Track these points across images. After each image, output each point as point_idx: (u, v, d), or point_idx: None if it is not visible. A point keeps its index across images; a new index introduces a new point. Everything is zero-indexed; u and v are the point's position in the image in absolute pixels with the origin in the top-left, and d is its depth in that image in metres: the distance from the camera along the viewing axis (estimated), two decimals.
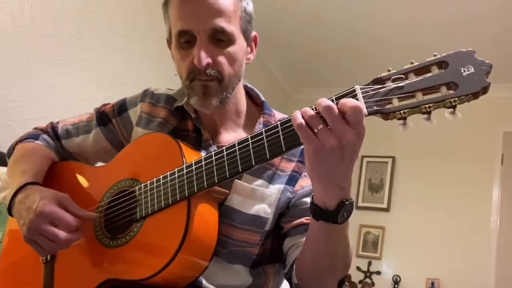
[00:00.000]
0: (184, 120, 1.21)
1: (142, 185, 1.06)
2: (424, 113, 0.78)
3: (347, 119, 0.79)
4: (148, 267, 0.96)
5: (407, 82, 0.79)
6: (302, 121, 0.81)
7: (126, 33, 3.03)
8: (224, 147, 0.98)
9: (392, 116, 0.80)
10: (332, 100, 0.83)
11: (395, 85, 0.80)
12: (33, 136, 1.31)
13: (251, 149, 0.93)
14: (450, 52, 0.78)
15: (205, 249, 0.99)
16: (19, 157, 1.24)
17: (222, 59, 1.08)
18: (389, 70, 0.82)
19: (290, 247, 1.11)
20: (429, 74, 0.78)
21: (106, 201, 1.12)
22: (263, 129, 0.92)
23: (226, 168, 0.95)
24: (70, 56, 2.65)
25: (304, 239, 1.05)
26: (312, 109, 0.83)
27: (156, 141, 1.12)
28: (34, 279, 1.13)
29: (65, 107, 2.59)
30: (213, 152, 0.99)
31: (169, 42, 1.18)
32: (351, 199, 0.88)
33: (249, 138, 0.94)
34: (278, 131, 0.89)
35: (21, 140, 1.31)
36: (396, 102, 0.79)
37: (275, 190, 1.11)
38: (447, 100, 0.76)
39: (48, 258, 1.12)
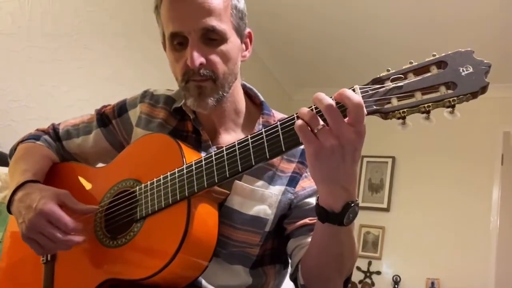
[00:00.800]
0: (183, 121, 1.21)
1: (143, 185, 1.06)
2: (423, 113, 0.78)
3: (348, 117, 0.79)
4: (148, 267, 0.96)
5: (406, 82, 0.80)
6: (301, 122, 0.81)
7: (126, 33, 3.03)
8: (224, 147, 0.98)
9: (391, 115, 0.80)
10: (332, 98, 0.82)
11: (394, 85, 0.80)
12: (34, 137, 1.32)
13: (251, 148, 0.93)
14: (449, 52, 0.78)
15: (205, 249, 0.99)
16: (20, 157, 1.24)
17: (215, 58, 1.08)
18: (388, 70, 0.82)
19: (294, 248, 1.11)
20: (428, 74, 0.79)
21: (106, 201, 1.12)
22: (263, 129, 0.92)
23: (226, 168, 0.96)
24: (70, 56, 2.65)
25: (308, 240, 1.06)
26: (311, 108, 0.83)
27: (156, 142, 1.12)
28: (35, 279, 1.13)
29: (65, 107, 2.59)
30: (213, 152, 0.99)
31: (164, 46, 1.18)
32: (356, 200, 0.87)
33: (249, 138, 0.94)
34: (278, 131, 0.89)
35: (22, 141, 1.32)
36: (395, 102, 0.79)
37: (275, 191, 1.11)
38: (446, 100, 0.76)
39: (49, 258, 1.12)
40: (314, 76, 4.96)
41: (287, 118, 0.89)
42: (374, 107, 0.80)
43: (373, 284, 4.48)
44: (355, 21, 3.89)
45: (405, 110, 0.79)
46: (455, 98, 0.76)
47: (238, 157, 0.94)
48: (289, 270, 1.16)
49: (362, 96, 0.81)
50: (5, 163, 1.97)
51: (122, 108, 1.31)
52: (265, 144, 0.91)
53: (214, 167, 0.97)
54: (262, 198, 1.10)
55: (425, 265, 4.29)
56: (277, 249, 1.16)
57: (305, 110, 0.82)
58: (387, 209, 4.65)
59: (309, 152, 0.82)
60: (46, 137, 1.33)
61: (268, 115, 1.21)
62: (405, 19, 3.79)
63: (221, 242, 1.04)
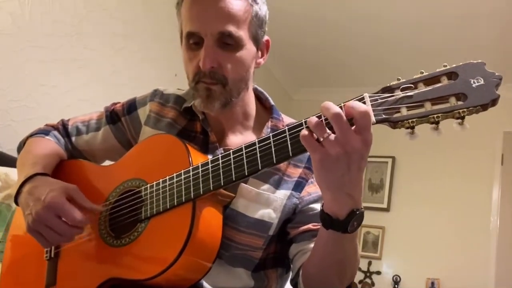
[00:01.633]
0: (193, 121, 1.22)
1: (148, 185, 1.07)
2: (432, 123, 0.78)
3: (355, 125, 0.79)
4: (151, 267, 0.96)
5: (416, 91, 0.79)
6: (306, 132, 0.81)
7: (126, 33, 3.02)
8: (231, 150, 0.98)
9: (400, 125, 0.80)
10: (341, 107, 0.82)
11: (404, 94, 0.80)
12: (43, 131, 1.32)
13: (258, 153, 0.93)
14: (460, 63, 0.78)
15: (208, 251, 0.99)
16: (29, 151, 1.25)
17: (227, 63, 1.08)
18: (398, 79, 0.82)
19: (296, 253, 1.11)
20: (439, 85, 0.78)
21: (111, 200, 1.12)
22: (271, 134, 0.92)
23: (233, 171, 0.96)
24: (70, 56, 2.64)
25: (310, 246, 1.06)
26: (318, 116, 0.82)
27: (164, 142, 1.12)
28: (38, 275, 1.14)
29: (65, 107, 2.59)
30: (220, 155, 0.99)
31: (181, 41, 1.18)
32: (361, 208, 0.87)
33: (257, 142, 0.94)
34: (285, 136, 0.89)
35: (32, 135, 1.32)
36: (404, 111, 0.79)
37: (281, 195, 1.11)
38: (455, 111, 0.76)
39: (52, 255, 1.13)
40: (314, 76, 4.95)
41: (295, 123, 0.89)
42: (383, 115, 0.80)
43: (373, 284, 4.48)
44: (355, 21, 3.88)
45: (414, 120, 0.78)
46: (465, 109, 0.76)
47: (245, 161, 0.94)
48: (290, 275, 1.16)
49: (372, 105, 0.81)
50: (5, 163, 1.97)
51: (131, 106, 1.31)
52: (273, 149, 0.91)
53: (221, 170, 0.97)
54: (267, 202, 1.10)
55: (425, 265, 4.29)
56: (279, 253, 1.17)
57: (313, 118, 0.82)
58: (387, 209, 4.65)
59: (314, 160, 0.82)
60: (55, 132, 1.33)
61: (277, 119, 1.21)
62: (406, 19, 3.79)
63: (224, 245, 1.04)
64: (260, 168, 0.92)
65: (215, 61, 1.06)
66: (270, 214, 1.10)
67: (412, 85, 0.80)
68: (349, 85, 4.70)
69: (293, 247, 1.12)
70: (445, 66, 0.79)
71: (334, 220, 0.88)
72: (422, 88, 0.79)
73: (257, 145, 0.93)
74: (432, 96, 0.78)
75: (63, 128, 1.35)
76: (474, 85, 0.76)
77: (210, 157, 1.05)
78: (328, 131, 0.80)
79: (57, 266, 1.12)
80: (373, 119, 0.80)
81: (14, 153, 1.56)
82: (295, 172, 1.14)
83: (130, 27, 3.05)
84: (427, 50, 4.02)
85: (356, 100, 0.83)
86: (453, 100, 0.77)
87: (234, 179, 0.96)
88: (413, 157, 4.60)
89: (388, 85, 0.82)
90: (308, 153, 1.10)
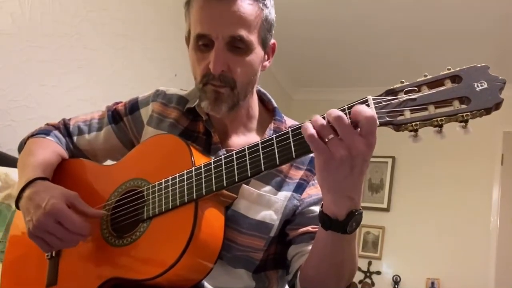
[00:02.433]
0: (195, 122, 1.21)
1: (151, 185, 1.06)
2: (435, 126, 0.78)
3: (360, 129, 0.79)
4: (153, 267, 0.96)
5: (419, 94, 0.79)
6: (313, 131, 0.81)
7: (126, 33, 3.01)
8: (234, 151, 0.98)
9: (404, 127, 0.80)
10: (344, 109, 0.83)
11: (407, 97, 0.80)
12: (44, 131, 1.31)
13: (261, 154, 0.93)
14: (464, 67, 0.78)
15: (210, 252, 0.99)
16: (29, 152, 1.24)
17: (237, 67, 1.08)
18: (402, 82, 0.82)
19: (294, 254, 1.11)
20: (442, 88, 0.78)
21: (113, 200, 1.12)
22: (274, 135, 0.92)
23: (235, 172, 0.96)
24: (70, 56, 2.64)
25: (309, 247, 1.06)
26: (323, 117, 0.82)
27: (166, 143, 1.12)
28: (39, 274, 1.13)
29: (65, 107, 2.58)
30: (222, 156, 0.99)
31: (187, 40, 1.17)
32: (360, 209, 0.88)
33: (260, 143, 0.94)
34: (288, 138, 0.89)
35: (32, 135, 1.31)
36: (408, 114, 0.79)
37: (282, 197, 1.11)
38: (459, 114, 0.76)
39: (53, 254, 1.13)
40: (314, 76, 4.95)
41: (298, 125, 0.89)
42: (387, 118, 0.80)
43: (373, 284, 4.49)
44: (355, 22, 3.89)
45: (417, 123, 0.79)
46: (468, 113, 0.76)
47: (247, 162, 0.94)
48: (288, 276, 1.16)
49: (375, 107, 0.81)
50: (5, 163, 1.97)
51: (133, 106, 1.31)
52: (276, 150, 0.91)
53: (223, 171, 0.97)
54: (268, 204, 1.10)
55: (425, 265, 4.30)
56: (280, 254, 1.16)
57: (319, 119, 0.82)
58: (387, 209, 4.66)
59: (318, 161, 0.82)
60: (56, 132, 1.32)
61: (279, 121, 1.21)
62: (405, 21, 3.80)
63: (226, 246, 1.04)
64: (263, 169, 0.92)
65: (225, 64, 1.06)
66: (271, 215, 1.10)
67: (415, 88, 0.80)
68: (349, 85, 4.71)
69: (291, 249, 1.12)
70: (449, 69, 0.79)
71: (333, 221, 0.88)
72: (425, 91, 0.79)
73: (260, 146, 0.93)
74: (436, 99, 0.78)
75: (64, 128, 1.35)
76: (477, 89, 0.76)
77: (212, 158, 1.05)
78: (333, 132, 0.80)
79: (58, 265, 1.12)
80: (377, 123, 0.80)
81: (14, 153, 1.56)
82: (296, 174, 1.15)
83: (130, 27, 3.05)
84: (426, 50, 4.03)
85: (360, 102, 0.83)
86: (456, 103, 0.77)
87: (236, 180, 0.96)
88: (413, 157, 4.61)
89: (392, 87, 0.82)
90: (310, 156, 1.12)
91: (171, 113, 1.24)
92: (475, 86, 0.76)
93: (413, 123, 0.79)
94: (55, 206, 1.01)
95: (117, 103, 1.35)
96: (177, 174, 1.03)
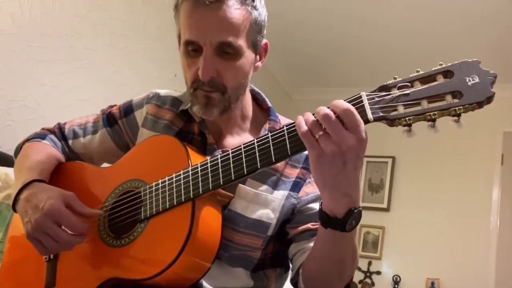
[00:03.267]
0: (190, 123, 1.22)
1: (148, 186, 1.07)
2: (429, 121, 0.79)
3: (345, 124, 0.80)
4: (150, 267, 0.96)
5: (412, 90, 0.81)
6: (306, 128, 0.83)
7: (126, 33, 3.02)
8: (230, 150, 0.98)
9: (397, 122, 0.81)
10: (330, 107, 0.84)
11: (400, 93, 0.81)
12: (40, 136, 1.32)
13: (256, 152, 0.94)
14: (456, 62, 0.79)
15: (208, 251, 1.00)
16: (26, 155, 1.24)
17: (227, 72, 1.07)
18: (395, 78, 0.83)
19: (295, 252, 1.12)
20: (435, 83, 0.80)
21: (111, 201, 1.12)
22: (269, 133, 0.93)
23: (232, 170, 0.96)
24: (70, 56, 2.65)
25: (310, 245, 1.07)
26: (314, 115, 0.84)
27: (162, 143, 1.13)
28: (37, 276, 1.13)
29: (65, 107, 2.59)
30: (218, 155, 1.00)
31: (178, 43, 1.17)
32: (359, 207, 0.88)
33: (255, 142, 0.95)
34: (284, 135, 0.90)
35: (28, 140, 1.32)
36: (401, 109, 0.80)
37: (279, 196, 1.12)
38: (451, 109, 0.77)
39: (51, 256, 1.13)
40: (314, 76, 4.95)
41: (293, 122, 0.89)
42: (380, 113, 0.82)
43: (373, 284, 4.48)
44: (354, 24, 3.89)
45: (411, 117, 0.80)
46: (461, 107, 0.77)
47: (244, 160, 0.95)
48: (290, 274, 1.16)
49: (369, 103, 0.82)
50: (5, 163, 1.97)
51: (128, 109, 1.31)
52: (271, 148, 0.91)
53: (220, 169, 0.98)
54: (265, 202, 1.10)
55: (425, 265, 4.29)
56: (278, 253, 1.17)
57: (310, 116, 0.84)
58: (387, 209, 4.65)
59: (312, 158, 0.84)
60: (52, 136, 1.33)
61: (274, 121, 1.21)
62: (404, 23, 3.80)
63: (223, 245, 1.05)
64: (259, 167, 0.93)
65: (214, 71, 1.06)
66: (268, 214, 1.10)
67: (408, 84, 0.81)
68: (349, 85, 4.69)
69: (292, 247, 1.13)
70: (440, 64, 0.80)
71: (332, 219, 0.88)
72: (418, 87, 0.80)
73: (256, 144, 0.94)
74: (429, 94, 0.79)
75: (59, 132, 1.35)
76: (469, 83, 0.77)
77: (208, 157, 1.05)
78: (324, 129, 0.82)
79: (56, 267, 1.12)
80: (370, 117, 0.81)
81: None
82: (292, 173, 1.15)
83: (130, 27, 3.06)
84: (426, 52, 4.03)
85: (353, 99, 0.85)
86: (449, 98, 0.78)
87: (233, 178, 0.96)
88: (413, 157, 4.61)
89: (385, 83, 0.83)
90: (305, 154, 1.12)
91: (165, 115, 1.24)
92: (467, 80, 0.77)
93: (407, 118, 0.80)
94: (53, 207, 1.01)
95: (111, 107, 1.35)
96: (173, 174, 1.03)
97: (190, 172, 1.01)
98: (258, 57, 1.17)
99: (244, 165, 0.95)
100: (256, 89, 1.27)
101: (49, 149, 1.28)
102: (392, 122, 0.81)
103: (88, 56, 2.76)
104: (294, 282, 1.12)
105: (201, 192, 0.98)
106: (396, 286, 4.35)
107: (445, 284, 4.18)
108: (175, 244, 0.94)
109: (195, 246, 0.96)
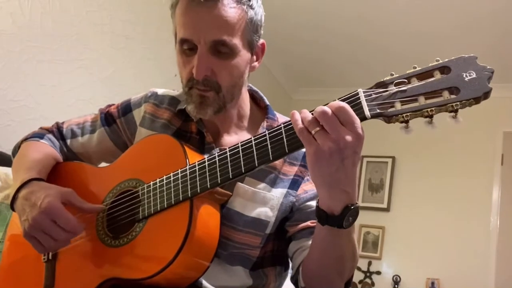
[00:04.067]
0: (187, 122, 1.22)
1: (145, 185, 1.07)
2: (426, 117, 0.79)
3: (341, 121, 0.81)
4: (149, 266, 0.96)
5: (409, 86, 0.81)
6: (302, 125, 0.83)
7: (126, 33, 3.03)
8: (227, 148, 0.98)
9: (395, 119, 0.81)
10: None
11: (397, 89, 0.81)
12: (38, 135, 1.32)
13: (254, 150, 0.94)
14: (452, 58, 0.79)
15: (206, 249, 1.00)
16: (24, 155, 1.25)
17: (221, 71, 1.07)
18: (392, 74, 0.83)
19: (295, 250, 1.12)
20: (432, 79, 0.80)
21: (109, 201, 1.12)
22: (267, 131, 0.93)
23: (229, 168, 0.96)
24: (70, 56, 2.65)
25: (309, 242, 1.06)
26: (312, 113, 0.84)
27: (160, 142, 1.13)
28: (36, 277, 1.13)
29: (65, 107, 2.59)
30: (216, 153, 1.00)
31: (175, 42, 1.18)
32: (356, 203, 0.88)
33: (253, 140, 0.95)
34: (281, 133, 0.90)
35: (26, 139, 1.32)
36: (398, 106, 0.81)
37: (277, 193, 1.12)
38: (449, 104, 0.77)
39: (50, 256, 1.13)
40: (314, 76, 4.95)
41: (290, 120, 0.89)
42: (378, 110, 0.82)
43: (373, 284, 4.48)
44: (354, 24, 3.89)
45: (408, 114, 0.80)
46: (458, 103, 0.77)
47: (241, 158, 0.95)
48: (290, 272, 1.16)
49: (366, 100, 0.83)
50: (5, 163, 1.98)
51: (126, 108, 1.31)
52: (269, 145, 0.92)
53: (217, 168, 0.98)
54: (263, 200, 1.10)
55: (425, 265, 4.28)
56: (277, 251, 1.17)
57: (306, 112, 0.85)
58: (387, 209, 4.64)
59: (309, 155, 0.84)
60: (50, 135, 1.33)
61: (272, 119, 1.21)
62: (403, 23, 3.80)
63: (222, 244, 1.05)
64: (256, 165, 0.93)
65: (208, 69, 1.06)
66: (267, 212, 1.10)
67: (405, 80, 0.81)
68: (349, 86, 4.67)
69: (292, 245, 1.13)
70: (437, 60, 0.80)
71: (329, 216, 0.88)
72: (415, 83, 0.80)
73: (253, 143, 0.94)
74: (426, 90, 0.79)
75: (57, 131, 1.35)
76: (466, 79, 0.77)
77: (206, 156, 1.05)
78: (321, 126, 0.82)
79: (55, 267, 1.12)
80: (367, 113, 0.82)
81: None
82: (290, 171, 1.15)
83: (130, 27, 3.06)
84: (425, 52, 4.03)
85: (350, 95, 0.85)
86: (446, 93, 0.78)
87: (231, 176, 0.96)
88: (413, 157, 4.60)
89: (382, 80, 0.83)
90: (303, 151, 1.12)
91: (163, 114, 1.24)
92: (464, 76, 0.77)
93: (404, 114, 0.80)
94: (50, 204, 1.01)
95: (109, 106, 1.35)
96: (171, 173, 1.03)
97: (188, 171, 1.01)
98: (254, 57, 1.16)
99: (242, 163, 0.95)
100: (254, 88, 1.27)
101: (47, 149, 1.28)
102: (389, 118, 0.81)
103: (88, 56, 2.77)
104: (294, 280, 1.12)
105: (199, 191, 0.98)
106: (396, 286, 4.34)
107: (445, 284, 4.17)
108: (174, 243, 0.94)
109: (194, 245, 0.96)
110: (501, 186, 4.29)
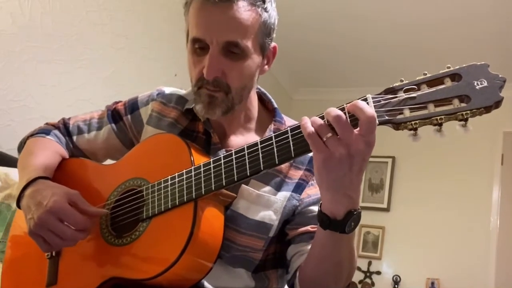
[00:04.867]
0: (194, 121, 1.21)
1: (150, 185, 1.07)
2: (435, 125, 0.78)
3: (359, 127, 0.79)
4: (152, 267, 0.96)
5: (419, 93, 0.79)
6: (312, 129, 0.82)
7: (126, 33, 3.01)
8: (233, 151, 0.98)
9: (403, 126, 0.80)
10: (343, 108, 0.83)
11: (407, 96, 0.80)
12: (44, 131, 1.31)
13: (260, 153, 0.93)
14: (464, 65, 0.78)
15: (209, 251, 1.00)
16: (30, 152, 1.24)
17: (232, 72, 1.07)
18: (401, 81, 0.82)
19: (294, 254, 1.11)
20: (442, 86, 0.78)
21: (113, 199, 1.12)
22: (273, 134, 0.92)
23: (235, 171, 0.96)
24: (70, 56, 2.64)
25: (308, 247, 1.06)
26: (321, 117, 0.83)
27: (166, 142, 1.12)
28: (39, 274, 1.13)
29: (65, 107, 2.58)
30: (221, 155, 0.99)
31: (187, 40, 1.16)
32: (359, 209, 0.88)
33: (259, 143, 0.94)
34: (288, 137, 0.89)
35: (32, 135, 1.31)
36: (407, 113, 0.79)
37: (281, 197, 1.11)
38: (459, 113, 0.76)
39: (53, 253, 1.13)
40: (314, 76, 4.95)
41: (297, 124, 0.89)
42: (386, 117, 0.80)
43: (373, 284, 4.48)
44: (355, 23, 3.89)
45: (417, 121, 0.79)
46: (468, 111, 0.76)
47: (247, 161, 0.94)
48: (287, 276, 1.16)
49: (374, 106, 0.81)
50: (5, 163, 1.97)
51: (133, 105, 1.31)
52: (275, 149, 0.91)
53: (223, 170, 0.97)
54: (267, 204, 1.10)
55: (425, 265, 4.29)
56: (279, 254, 1.17)
57: (317, 118, 0.83)
58: (387, 209, 4.65)
59: (317, 160, 0.83)
60: (56, 131, 1.32)
61: (280, 122, 1.20)
62: (404, 21, 3.80)
63: (225, 246, 1.04)
64: (262, 168, 0.92)
65: (219, 70, 1.06)
66: (270, 216, 1.10)
67: (415, 87, 0.80)
68: (349, 85, 4.70)
69: (291, 248, 1.13)
70: (448, 67, 0.79)
71: (332, 220, 0.88)
72: (425, 90, 0.79)
73: (259, 146, 0.94)
74: (435, 97, 0.78)
75: (64, 127, 1.35)
76: (477, 87, 0.76)
77: (212, 157, 1.05)
78: (332, 131, 0.80)
79: (58, 265, 1.12)
80: (376, 122, 0.80)
81: (14, 153, 1.56)
82: (295, 174, 1.14)
83: (130, 27, 3.05)
84: (426, 51, 4.03)
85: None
86: (456, 102, 0.77)
87: (236, 179, 0.96)
88: (413, 157, 4.60)
89: (391, 86, 0.82)
90: (309, 155, 1.12)
91: (170, 113, 1.24)
92: (475, 84, 0.76)
93: (413, 122, 0.79)
94: (56, 204, 1.01)
95: (116, 103, 1.35)
96: (176, 174, 1.03)
97: (193, 173, 1.00)
98: (265, 60, 1.16)
99: (247, 166, 0.94)
100: (263, 90, 1.27)
101: (54, 145, 1.27)
102: (397, 126, 0.80)
103: (88, 56, 2.76)
104: (290, 284, 1.12)
105: (203, 192, 0.98)
106: (396, 286, 4.34)
107: (445, 284, 4.18)
108: (177, 244, 0.94)
109: (197, 246, 0.95)
110: (501, 186, 4.30)
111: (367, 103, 0.82)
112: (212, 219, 1.01)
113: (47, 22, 2.49)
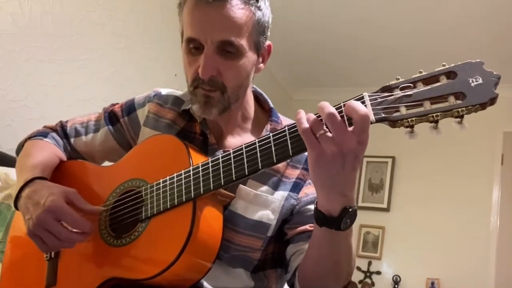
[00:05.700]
0: (191, 122, 1.21)
1: (149, 185, 1.07)
2: (431, 122, 0.79)
3: (353, 126, 0.80)
4: (151, 267, 0.96)
5: (415, 90, 0.80)
6: (307, 125, 0.82)
7: (126, 33, 3.02)
8: (231, 150, 0.98)
9: (400, 124, 0.81)
10: (340, 107, 0.83)
11: (403, 93, 0.80)
12: (42, 134, 1.32)
13: (258, 152, 0.93)
14: (459, 63, 0.78)
15: (208, 251, 1.00)
16: (28, 154, 1.24)
17: (227, 71, 1.07)
18: (397, 79, 0.82)
19: (293, 253, 1.12)
20: (438, 84, 0.79)
21: (112, 200, 1.12)
22: (271, 133, 0.92)
23: (233, 170, 0.96)
24: (70, 56, 2.64)
25: (307, 246, 1.06)
26: (317, 116, 0.83)
27: (164, 142, 1.12)
28: (38, 275, 1.13)
29: (65, 107, 2.59)
30: (220, 155, 0.99)
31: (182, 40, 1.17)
32: (354, 206, 0.88)
33: (257, 142, 0.94)
34: (285, 135, 0.90)
35: (30, 137, 1.32)
36: (403, 110, 0.80)
37: (279, 196, 1.12)
38: (454, 110, 0.77)
39: (52, 255, 1.13)
40: (314, 76, 4.95)
41: (295, 123, 0.89)
42: (383, 114, 0.81)
43: (373, 284, 4.48)
44: (355, 24, 3.89)
45: (413, 118, 0.79)
46: (463, 108, 0.76)
47: (245, 160, 0.95)
48: (287, 275, 1.16)
49: (371, 104, 0.82)
50: (5, 163, 1.97)
51: (130, 107, 1.31)
52: (273, 148, 0.91)
53: (221, 170, 0.97)
54: (265, 203, 1.10)
55: (425, 265, 4.29)
56: (278, 253, 1.17)
57: (311, 114, 0.84)
58: (387, 209, 4.65)
59: (310, 157, 0.84)
60: (54, 134, 1.33)
61: (276, 122, 1.20)
62: (403, 23, 3.80)
63: (224, 246, 1.04)
64: (260, 167, 0.93)
65: (214, 69, 1.06)
66: (268, 215, 1.10)
67: (411, 85, 0.81)
68: (349, 85, 4.70)
69: (290, 248, 1.13)
70: (444, 65, 0.79)
71: (327, 218, 0.88)
72: (421, 87, 0.80)
73: (257, 145, 0.94)
74: (431, 95, 0.78)
75: (61, 130, 1.35)
76: (472, 84, 0.76)
77: (210, 158, 1.05)
78: (325, 128, 0.81)
79: (57, 266, 1.12)
80: (372, 118, 0.81)
81: (14, 153, 1.56)
82: (293, 173, 1.15)
83: (130, 27, 3.05)
84: (425, 52, 4.03)
85: (356, 99, 0.84)
86: (452, 99, 0.77)
87: (234, 178, 0.96)
88: (413, 157, 4.60)
89: (387, 84, 0.83)
90: (306, 155, 1.11)
91: (167, 114, 1.24)
92: (470, 81, 0.76)
93: (409, 119, 0.79)
94: (54, 203, 1.01)
95: (113, 105, 1.35)
96: (175, 174, 1.03)
97: (191, 172, 1.01)
98: (260, 58, 1.16)
99: (246, 165, 0.94)
100: (259, 90, 1.27)
101: (51, 147, 1.28)
102: (394, 123, 0.81)
103: (88, 56, 2.76)
104: (290, 283, 1.12)
105: (202, 192, 0.98)
106: (396, 286, 4.34)
107: (445, 284, 4.17)
108: (176, 244, 0.94)
109: (196, 246, 0.95)
110: (501, 186, 4.30)
111: (364, 101, 0.82)
112: (211, 219, 1.01)
113: (47, 22, 2.49)
